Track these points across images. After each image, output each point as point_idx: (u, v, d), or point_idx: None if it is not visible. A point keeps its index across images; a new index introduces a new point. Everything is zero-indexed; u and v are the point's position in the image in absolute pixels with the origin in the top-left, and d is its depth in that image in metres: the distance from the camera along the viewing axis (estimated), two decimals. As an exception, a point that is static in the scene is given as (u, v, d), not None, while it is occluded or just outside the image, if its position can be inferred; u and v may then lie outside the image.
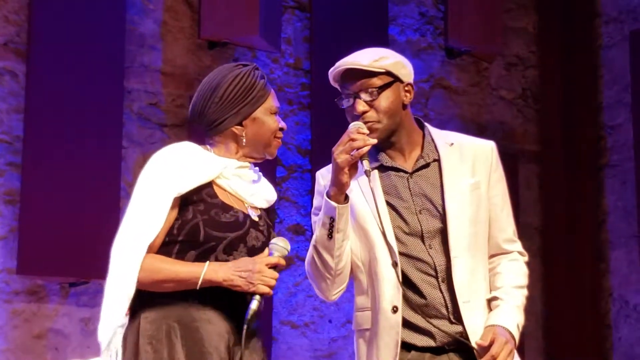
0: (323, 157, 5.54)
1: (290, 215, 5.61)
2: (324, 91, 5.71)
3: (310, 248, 2.98)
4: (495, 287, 3.02)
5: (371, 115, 2.96)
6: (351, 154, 2.85)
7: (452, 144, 3.06)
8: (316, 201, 3.03)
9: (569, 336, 6.18)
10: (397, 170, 3.01)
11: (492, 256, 3.06)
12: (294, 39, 5.79)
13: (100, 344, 2.65)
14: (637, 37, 6.11)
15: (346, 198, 2.89)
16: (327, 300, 3.09)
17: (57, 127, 4.85)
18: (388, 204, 2.96)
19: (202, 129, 2.86)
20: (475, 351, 2.90)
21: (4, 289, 4.81)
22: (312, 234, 3.00)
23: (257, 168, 2.92)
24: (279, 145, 2.92)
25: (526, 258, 3.10)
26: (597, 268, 6.25)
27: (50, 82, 4.87)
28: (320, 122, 5.66)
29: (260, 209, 2.86)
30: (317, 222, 2.93)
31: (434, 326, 2.91)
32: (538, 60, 6.59)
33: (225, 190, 2.78)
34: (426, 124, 3.10)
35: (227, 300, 2.71)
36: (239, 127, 2.81)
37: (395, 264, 2.90)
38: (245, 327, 2.67)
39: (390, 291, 2.91)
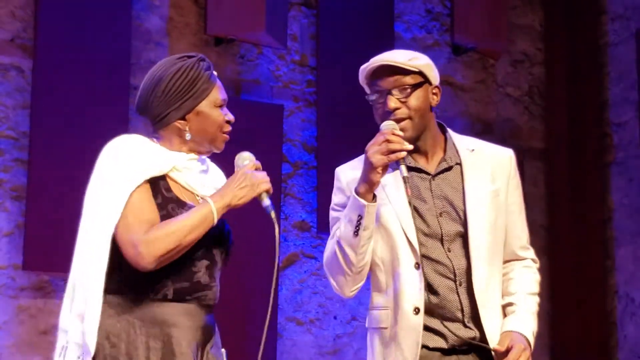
0: (329, 154, 5.60)
1: (296, 212, 5.61)
2: (329, 88, 5.73)
3: (332, 243, 2.99)
4: (509, 293, 3.05)
5: (403, 112, 2.99)
6: (387, 155, 2.86)
7: (472, 149, 3.09)
8: (336, 198, 3.05)
9: (575, 333, 6.18)
10: (420, 171, 3.03)
11: (506, 262, 3.09)
12: (300, 36, 5.79)
13: (87, 346, 2.57)
14: (644, 35, 6.10)
15: (374, 197, 2.91)
16: (343, 296, 3.09)
17: (63, 123, 4.86)
18: (410, 204, 2.96)
19: (148, 120, 2.81)
20: (493, 353, 2.91)
21: (10, 284, 4.82)
22: (330, 230, 3.02)
23: (204, 157, 2.85)
24: (226, 139, 2.81)
25: (538, 265, 3.14)
26: (602, 265, 6.25)
27: (57, 78, 4.88)
28: (326, 119, 5.67)
29: None
30: (343, 218, 2.94)
31: (448, 330, 2.93)
32: (544, 57, 6.59)
33: (177, 183, 2.73)
34: (448, 128, 3.14)
35: (190, 299, 2.69)
36: (182, 121, 2.75)
37: (417, 266, 2.93)
38: (276, 225, 2.74)
39: (413, 292, 2.93)
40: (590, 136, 6.36)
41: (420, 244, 2.94)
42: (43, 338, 4.86)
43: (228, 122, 2.81)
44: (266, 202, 2.74)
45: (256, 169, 2.76)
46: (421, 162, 3.05)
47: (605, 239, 6.29)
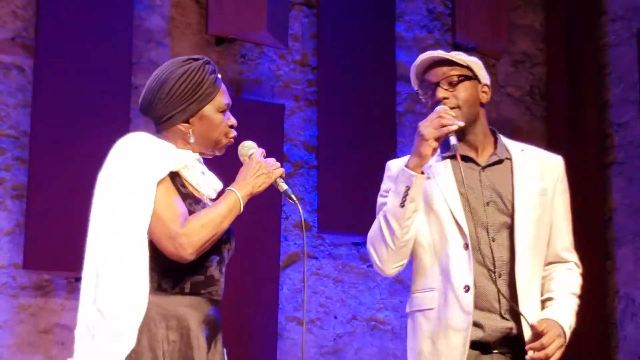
0: (329, 154, 5.61)
1: (296, 212, 5.61)
2: (330, 87, 5.73)
3: (378, 218, 3.07)
4: (549, 290, 3.10)
5: (452, 101, 3.07)
6: (438, 129, 2.95)
7: (523, 150, 3.18)
8: (385, 185, 3.14)
9: (575, 333, 6.17)
10: (471, 162, 3.10)
11: (549, 263, 3.14)
12: (301, 35, 5.79)
13: (125, 338, 2.57)
14: (645, 35, 6.10)
15: (422, 173, 3.00)
16: (384, 274, 3.13)
17: (64, 122, 4.86)
18: (459, 191, 3.05)
19: (151, 121, 2.83)
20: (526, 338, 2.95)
21: (10, 283, 4.83)
22: (375, 218, 3.10)
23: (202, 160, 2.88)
24: (230, 144, 2.84)
25: (581, 270, 3.19)
26: (603, 265, 6.25)
27: (58, 77, 4.88)
28: (326, 118, 5.67)
29: (211, 199, 2.85)
30: (391, 192, 3.02)
31: (485, 320, 2.98)
32: (545, 57, 6.59)
33: (187, 181, 2.76)
34: (497, 132, 3.22)
35: (202, 294, 2.70)
36: (185, 124, 2.77)
37: (466, 246, 2.99)
38: (298, 205, 2.79)
39: (462, 271, 2.98)
40: (590, 136, 6.36)
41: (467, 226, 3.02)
42: (43, 337, 4.86)
43: (231, 126, 2.83)
44: (283, 186, 2.80)
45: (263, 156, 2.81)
46: (471, 155, 3.12)
47: (605, 239, 6.29)
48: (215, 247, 2.72)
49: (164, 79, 2.77)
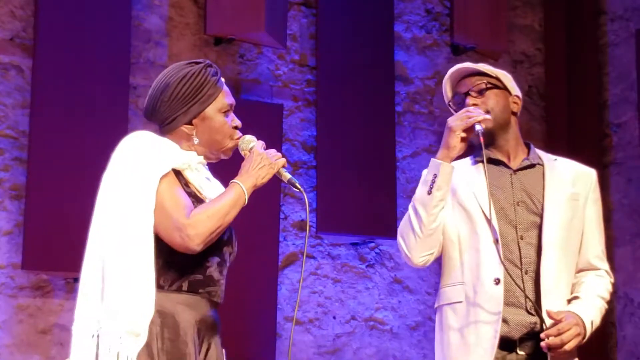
0: (328, 154, 5.60)
1: (295, 212, 5.61)
2: (329, 88, 5.73)
3: (409, 209, 3.14)
4: (577, 292, 3.16)
5: (481, 107, 3.16)
6: (466, 121, 3.05)
7: (555, 159, 3.27)
8: (417, 190, 3.19)
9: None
10: (503, 165, 3.20)
11: (580, 271, 3.21)
12: (300, 36, 5.79)
13: (135, 335, 2.57)
14: (643, 35, 6.10)
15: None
16: (412, 264, 3.19)
17: (63, 122, 4.86)
18: (489, 191, 3.11)
19: (156, 126, 2.84)
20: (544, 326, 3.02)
21: (9, 284, 4.82)
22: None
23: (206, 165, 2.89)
24: (235, 146, 2.85)
25: (612, 279, 3.25)
26: (601, 266, 6.25)
27: (56, 78, 4.88)
28: (325, 118, 5.66)
29: None
30: (420, 183, 3.12)
31: (511, 315, 3.04)
32: (544, 57, 6.59)
33: (191, 182, 2.76)
34: (532, 144, 3.31)
35: (199, 292, 2.71)
36: (189, 126, 2.79)
37: (496, 241, 3.07)
38: (303, 193, 2.80)
39: (492, 264, 3.05)
40: (589, 136, 6.36)
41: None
42: (42, 337, 4.86)
43: (236, 127, 2.84)
44: (286, 175, 2.81)
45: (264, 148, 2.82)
46: (503, 159, 3.22)
47: (604, 239, 6.28)
48: (216, 248, 2.72)
49: (166, 82, 2.78)
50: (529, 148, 3.28)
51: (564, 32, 6.51)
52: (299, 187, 2.81)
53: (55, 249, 4.73)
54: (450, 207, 3.14)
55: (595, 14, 6.49)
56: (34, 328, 4.85)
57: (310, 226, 5.62)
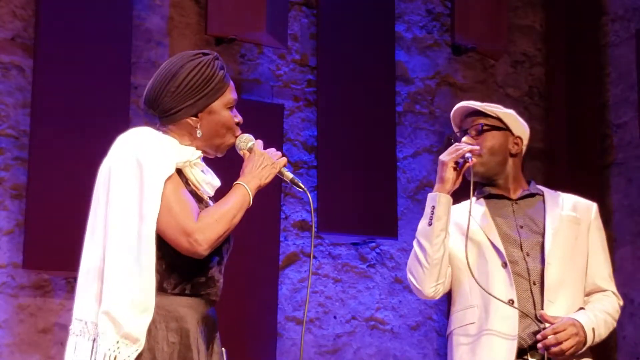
0: (329, 154, 5.60)
1: (296, 212, 5.61)
2: (330, 88, 5.73)
3: (413, 245, 3.23)
4: (584, 308, 3.22)
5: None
6: (455, 154, 3.17)
7: (557, 193, 3.36)
8: (419, 226, 3.28)
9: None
10: (503, 198, 3.30)
11: (587, 294, 3.28)
12: (301, 36, 5.79)
13: (133, 338, 2.53)
14: (644, 36, 6.10)
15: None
16: (423, 297, 3.27)
17: (64, 122, 4.86)
18: (493, 220, 3.24)
19: (154, 115, 2.77)
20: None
21: (9, 283, 4.83)
22: None
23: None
24: (234, 144, 2.82)
25: (621, 302, 3.32)
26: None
27: (57, 77, 4.88)
28: (326, 118, 5.67)
29: (209, 197, 2.82)
30: (421, 219, 3.22)
31: (521, 324, 3.10)
32: (544, 58, 6.59)
33: (190, 180, 2.73)
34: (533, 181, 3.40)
35: (200, 295, 2.70)
36: (194, 118, 2.73)
37: (505, 264, 3.15)
38: (307, 193, 2.80)
39: (504, 286, 3.12)
40: (590, 137, 6.36)
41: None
42: (42, 337, 4.86)
43: (238, 123, 2.81)
44: (288, 175, 2.81)
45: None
46: (503, 193, 3.32)
47: (604, 240, 6.29)
48: (217, 248, 2.69)
49: (174, 72, 2.72)
50: (529, 184, 3.38)
51: (564, 32, 6.51)
52: (302, 186, 2.80)
53: (56, 248, 4.73)
54: (454, 239, 3.22)
55: (596, 14, 6.49)
56: (35, 327, 4.85)
57: (311, 226, 5.62)
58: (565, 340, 3.03)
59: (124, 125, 4.95)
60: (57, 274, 4.88)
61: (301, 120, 5.72)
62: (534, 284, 3.14)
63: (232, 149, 2.84)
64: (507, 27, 6.33)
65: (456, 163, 3.17)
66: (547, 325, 3.07)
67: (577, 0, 6.49)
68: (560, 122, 6.43)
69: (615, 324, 3.28)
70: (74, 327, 2.64)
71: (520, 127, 3.37)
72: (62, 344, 4.85)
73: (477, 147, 3.21)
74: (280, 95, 5.67)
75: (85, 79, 4.93)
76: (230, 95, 2.78)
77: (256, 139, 2.84)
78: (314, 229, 2.95)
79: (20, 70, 4.97)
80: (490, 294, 3.08)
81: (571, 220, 3.26)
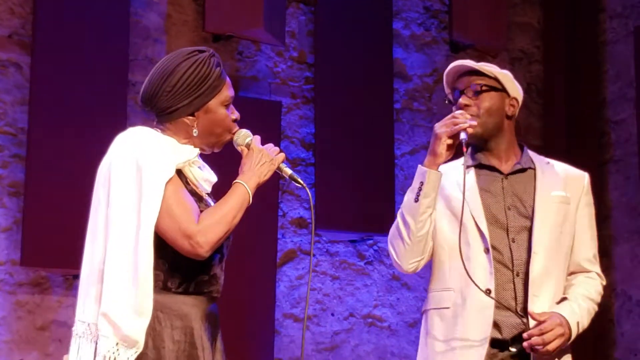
0: (326, 151, 5.60)
1: (294, 209, 5.61)
2: (327, 85, 5.73)
3: (397, 217, 3.14)
4: (566, 294, 3.16)
5: (472, 109, 3.15)
6: (451, 128, 3.05)
7: (548, 162, 3.26)
8: (405, 198, 3.16)
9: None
10: (493, 170, 3.19)
11: (571, 273, 3.21)
12: (298, 33, 5.79)
13: (133, 340, 2.53)
14: (642, 33, 6.10)
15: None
16: (402, 270, 3.19)
17: (62, 119, 4.85)
18: (480, 197, 3.13)
19: (152, 113, 2.77)
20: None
21: (7, 280, 4.83)
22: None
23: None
24: (230, 141, 2.80)
25: (604, 282, 3.25)
26: (600, 263, 6.24)
27: (55, 75, 4.88)
28: (324, 116, 5.67)
29: (207, 194, 2.81)
30: (408, 190, 3.11)
31: (501, 317, 3.04)
32: (542, 55, 6.59)
33: (189, 179, 2.72)
34: (526, 146, 3.29)
35: (202, 293, 2.70)
36: (190, 117, 2.72)
37: (487, 250, 3.06)
38: (306, 189, 2.82)
39: (483, 274, 3.04)
40: (588, 134, 6.36)
41: (488, 229, 3.09)
42: (40, 334, 4.86)
43: (234, 120, 2.79)
44: (287, 171, 2.82)
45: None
46: (495, 163, 3.20)
47: (603, 237, 6.27)
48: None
49: (169, 70, 2.70)
50: (522, 150, 3.27)
51: (562, 29, 6.51)
52: (301, 182, 2.81)
53: (54, 245, 4.73)
54: (440, 213, 3.13)
55: (594, 11, 6.49)
56: (33, 324, 4.85)
57: (309, 223, 5.62)
58: (552, 341, 2.98)
59: (122, 122, 4.95)
60: (55, 271, 4.88)
61: (299, 118, 5.72)
62: (517, 274, 3.07)
63: (230, 143, 2.83)
64: (506, 25, 6.32)
65: (451, 137, 3.06)
66: (531, 320, 3.01)
67: (575, -2, 6.49)
68: (558, 119, 6.43)
69: (597, 308, 3.20)
70: (77, 328, 2.64)
71: (516, 88, 3.23)
72: (60, 341, 4.85)
73: (475, 123, 3.09)
74: (277, 92, 5.67)
75: (83, 76, 4.93)
76: (227, 92, 2.77)
77: (254, 135, 2.84)
78: (313, 225, 2.92)
79: (17, 67, 4.96)
80: (473, 282, 3.00)
81: (561, 201, 3.17)
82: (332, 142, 5.64)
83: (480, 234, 3.07)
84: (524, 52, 6.57)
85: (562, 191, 3.19)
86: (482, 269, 3.04)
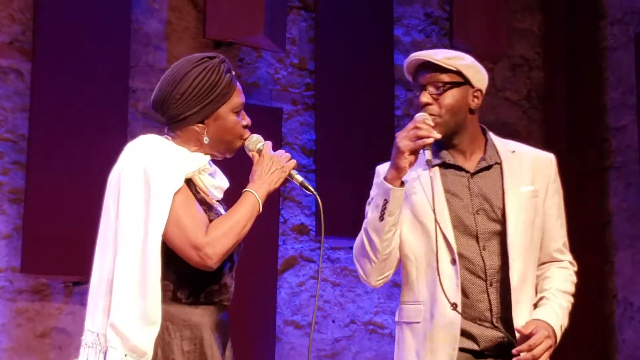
0: (327, 158, 5.60)
1: (295, 215, 5.61)
2: (328, 91, 5.73)
3: (361, 231, 3.04)
4: (542, 290, 3.07)
5: (434, 108, 3.01)
6: (414, 141, 2.90)
7: (513, 151, 3.11)
8: (373, 192, 3.06)
9: (573, 337, 6.15)
10: (459, 169, 3.06)
11: (542, 264, 3.10)
12: (299, 39, 5.79)
13: (140, 351, 2.53)
14: (643, 39, 6.11)
15: (402, 184, 2.95)
16: (371, 286, 3.11)
17: (62, 126, 4.85)
18: (447, 201, 3.00)
19: (163, 119, 2.76)
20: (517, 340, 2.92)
21: (8, 287, 4.82)
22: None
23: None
24: (242, 146, 2.79)
25: (575, 268, 3.15)
26: (601, 269, 6.25)
27: (55, 81, 4.88)
28: (324, 122, 5.66)
29: (218, 201, 2.80)
30: (371, 204, 2.99)
31: (478, 331, 2.95)
32: (543, 61, 6.59)
33: (200, 187, 2.71)
34: (489, 131, 3.15)
35: (212, 303, 2.69)
36: (200, 125, 2.70)
37: (454, 261, 2.94)
38: (317, 196, 2.81)
39: (450, 288, 2.93)
40: (588, 140, 6.36)
41: (455, 237, 2.97)
42: (40, 341, 4.86)
43: (245, 126, 2.77)
44: (298, 178, 2.79)
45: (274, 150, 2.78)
46: (459, 161, 3.07)
47: (604, 243, 6.29)
48: None
49: (179, 78, 2.69)
50: (486, 138, 3.11)
51: (563, 36, 6.51)
52: (312, 189, 2.78)
53: (54, 252, 4.73)
54: (406, 220, 3.02)
55: (595, 18, 6.49)
56: (33, 332, 4.85)
57: (310, 230, 5.62)
58: (542, 354, 2.88)
59: (122, 128, 4.95)
60: (55, 278, 4.87)
61: (300, 124, 5.72)
62: (491, 284, 2.96)
63: (242, 148, 2.82)
64: (506, 31, 6.33)
65: (412, 151, 2.90)
66: (513, 332, 2.92)
67: (576, 4, 6.49)
68: (559, 126, 6.43)
69: (572, 300, 3.09)
70: (87, 338, 2.64)
71: (480, 78, 3.05)
72: (60, 348, 4.84)
73: (439, 136, 2.92)
74: (278, 98, 5.67)
75: (84, 83, 4.93)
76: (237, 99, 2.75)
77: (265, 141, 2.82)
78: (322, 233, 2.87)
79: (18, 74, 4.96)
80: (445, 294, 2.89)
81: (531, 196, 3.04)
82: (332, 149, 5.63)
83: (447, 244, 2.95)
84: (525, 59, 6.57)
85: (530, 185, 3.06)
86: (449, 282, 2.93)
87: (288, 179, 2.79)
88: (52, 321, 4.89)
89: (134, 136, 5.27)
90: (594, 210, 6.29)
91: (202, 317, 2.64)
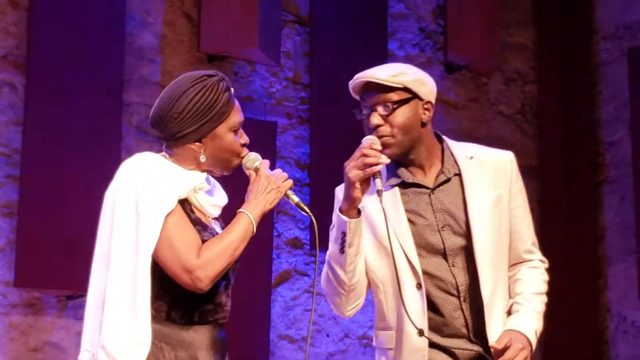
0: (322, 171, 5.59)
1: (289, 229, 5.60)
2: (323, 105, 5.74)
3: (325, 264, 2.98)
4: (514, 294, 3.01)
5: (385, 129, 2.94)
6: (364, 170, 2.84)
7: (471, 157, 3.03)
8: (334, 217, 2.99)
9: (567, 352, 6.17)
10: (419, 186, 2.98)
11: (512, 265, 3.04)
12: (294, 53, 5.80)
13: None
14: (636, 54, 6.12)
15: (359, 213, 2.88)
16: (342, 316, 3.08)
17: (56, 139, 4.85)
18: (410, 221, 2.93)
19: (161, 136, 2.75)
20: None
21: (1, 301, 4.81)
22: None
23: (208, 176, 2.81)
24: (240, 164, 2.77)
25: (547, 265, 3.09)
26: (595, 284, 6.25)
27: (49, 95, 4.87)
28: (319, 136, 5.67)
29: (215, 218, 2.80)
30: (331, 237, 2.93)
31: (455, 347, 2.90)
32: (537, 75, 6.60)
33: (194, 205, 2.70)
34: (444, 137, 3.08)
35: (208, 322, 2.68)
36: (198, 143, 2.69)
37: (419, 286, 2.89)
38: (312, 217, 2.80)
39: (416, 314, 2.88)
40: (582, 155, 6.37)
41: (422, 258, 2.91)
42: (34, 355, 4.84)
43: (244, 144, 2.76)
44: (294, 198, 2.78)
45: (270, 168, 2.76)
46: (419, 177, 2.99)
47: (597, 257, 6.29)
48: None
49: (177, 96, 2.67)
50: (442, 145, 3.04)
51: (557, 50, 6.54)
52: (308, 210, 2.78)
53: (48, 266, 4.72)
54: (368, 245, 2.95)
55: (588, 32, 6.51)
56: (26, 346, 4.83)
57: (304, 243, 5.62)
58: None
59: (116, 142, 4.95)
60: (48, 292, 4.86)
61: (294, 138, 5.72)
62: (464, 300, 2.90)
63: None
64: (500, 45, 6.34)
65: (362, 181, 2.79)
66: (490, 342, 2.88)
67: (569, 19, 6.51)
68: (553, 140, 6.44)
69: (546, 299, 3.04)
70: (83, 357, 2.65)
71: (428, 90, 2.96)
72: (54, 362, 4.83)
73: (388, 161, 2.85)
74: (273, 112, 5.67)
75: (78, 97, 4.93)
76: (235, 118, 2.73)
77: (261, 157, 2.81)
78: (317, 252, 2.84)
79: (12, 87, 4.96)
80: (411, 321, 2.84)
81: (495, 203, 2.95)
82: (327, 163, 5.62)
83: (411, 267, 2.89)
84: (519, 73, 6.58)
85: (493, 191, 2.97)
86: (414, 308, 2.88)
87: (284, 199, 2.77)
88: (45, 335, 4.87)
89: (128, 149, 5.30)
90: (588, 224, 6.30)
91: (196, 336, 2.64)
